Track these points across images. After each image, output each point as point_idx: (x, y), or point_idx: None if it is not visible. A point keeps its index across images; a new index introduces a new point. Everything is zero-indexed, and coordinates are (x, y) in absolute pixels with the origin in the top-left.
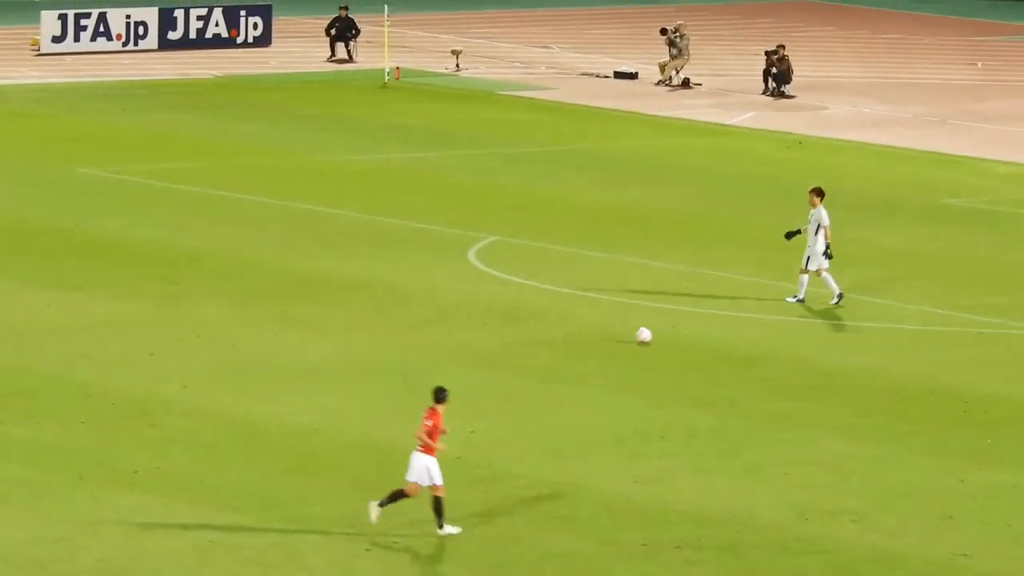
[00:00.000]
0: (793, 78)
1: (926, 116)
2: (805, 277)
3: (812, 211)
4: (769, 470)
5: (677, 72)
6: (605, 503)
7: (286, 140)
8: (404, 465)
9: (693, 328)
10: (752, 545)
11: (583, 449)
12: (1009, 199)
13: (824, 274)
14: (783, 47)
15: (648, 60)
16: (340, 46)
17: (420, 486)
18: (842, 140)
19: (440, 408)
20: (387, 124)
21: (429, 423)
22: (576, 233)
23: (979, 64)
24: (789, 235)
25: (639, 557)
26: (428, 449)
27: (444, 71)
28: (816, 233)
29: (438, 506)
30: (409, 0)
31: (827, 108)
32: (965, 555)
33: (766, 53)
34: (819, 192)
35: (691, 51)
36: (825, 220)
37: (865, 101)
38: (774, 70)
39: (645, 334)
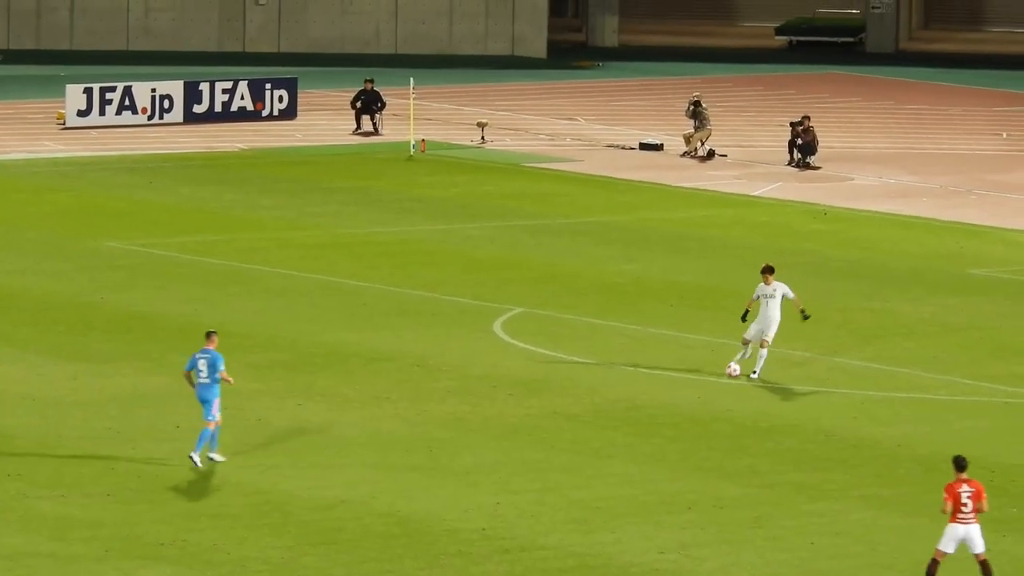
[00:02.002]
0: (818, 149)
1: (951, 186)
2: (765, 351)
3: (764, 287)
4: (795, 540)
5: (702, 143)
6: (632, 574)
7: (312, 213)
8: (430, 537)
9: (717, 399)
10: None
11: (609, 520)
12: None
13: (764, 351)
14: (808, 118)
15: (673, 132)
16: (366, 119)
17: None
18: (868, 211)
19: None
20: (412, 196)
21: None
22: (601, 305)
23: (1005, 135)
24: (744, 317)
25: None
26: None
27: (469, 143)
28: (801, 317)
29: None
30: (434, 73)
31: (852, 179)
32: None
33: (791, 124)
34: (771, 269)
35: (716, 122)
36: (791, 293)
37: (890, 171)
38: (799, 141)
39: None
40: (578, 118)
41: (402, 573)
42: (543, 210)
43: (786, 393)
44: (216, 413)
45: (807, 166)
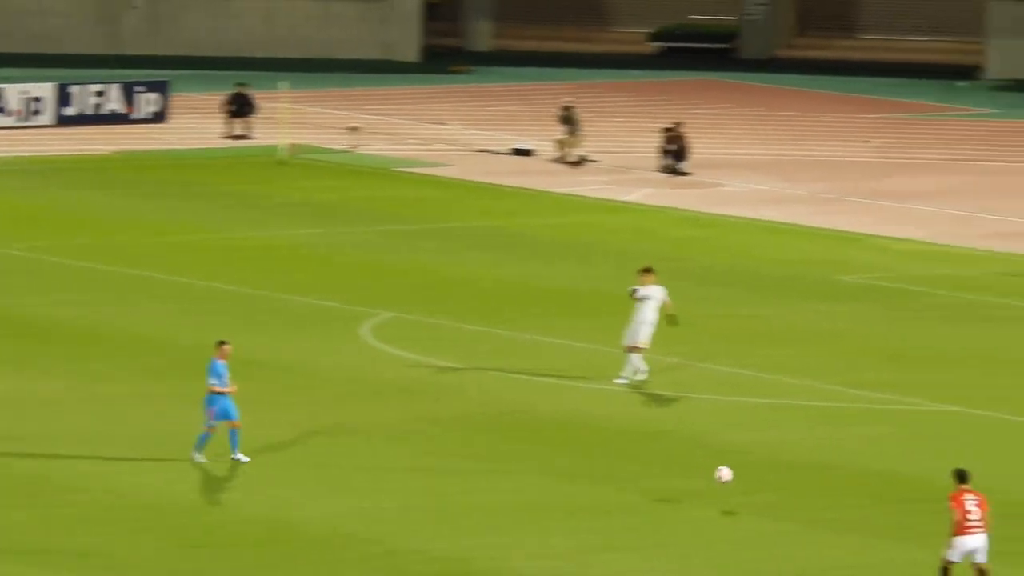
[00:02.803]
0: (690, 155)
1: (822, 193)
2: (635, 356)
3: (640, 288)
4: (673, 547)
5: (574, 149)
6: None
7: (182, 216)
8: (304, 542)
9: (595, 405)
10: None
11: (483, 525)
12: (904, 275)
13: (634, 356)
14: (679, 124)
15: (545, 137)
16: (237, 122)
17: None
18: (739, 217)
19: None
20: (283, 200)
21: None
22: (472, 310)
23: (872, 141)
24: (670, 322)
25: None
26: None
27: (341, 148)
28: (669, 323)
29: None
30: (308, 77)
31: (724, 185)
32: None
33: (663, 130)
34: (650, 271)
35: (587, 128)
36: (665, 296)
37: (761, 178)
38: (670, 147)
39: (726, 475)
40: (449, 123)
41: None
42: (414, 215)
43: (658, 399)
44: (213, 420)
45: (678, 172)
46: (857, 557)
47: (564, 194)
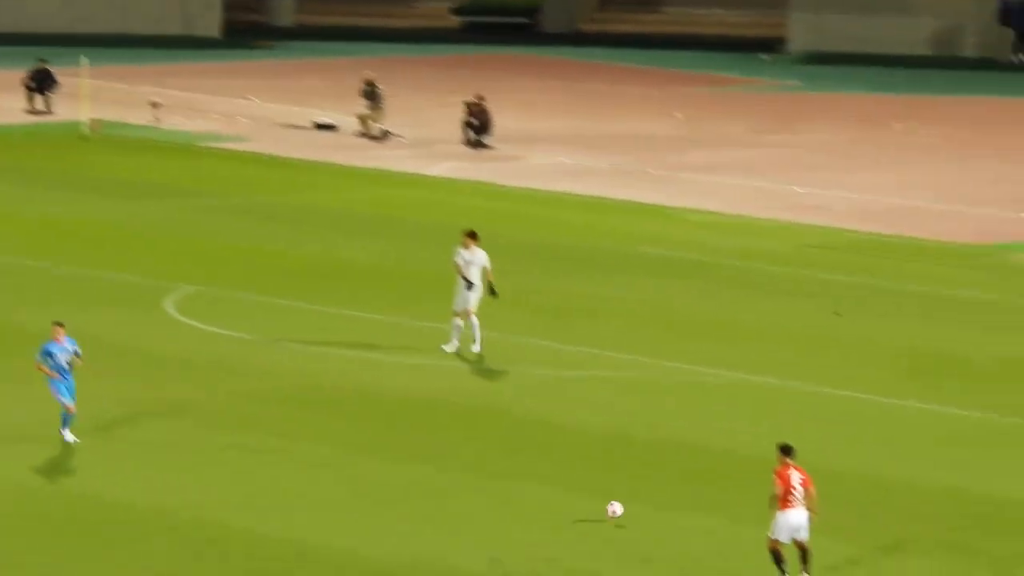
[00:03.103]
0: (493, 129)
1: (625, 166)
2: (475, 320)
3: (464, 252)
4: (479, 522)
5: (377, 123)
6: (306, 555)
7: None
8: (102, 515)
9: (400, 379)
10: None
11: (294, 504)
12: (704, 247)
13: (474, 319)
14: (482, 98)
15: (349, 112)
16: (38, 98)
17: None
18: (541, 190)
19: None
20: (85, 176)
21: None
22: (277, 284)
23: (679, 115)
24: (492, 292)
25: None
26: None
27: (143, 123)
28: (487, 292)
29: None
30: (109, 53)
31: (526, 158)
32: None
33: (466, 104)
34: (474, 235)
35: (391, 102)
36: (487, 262)
37: (564, 151)
38: (473, 121)
39: (617, 509)
40: (252, 98)
41: (70, 551)
42: (217, 189)
43: (466, 373)
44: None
45: (481, 145)
46: (656, 527)
47: (367, 168)
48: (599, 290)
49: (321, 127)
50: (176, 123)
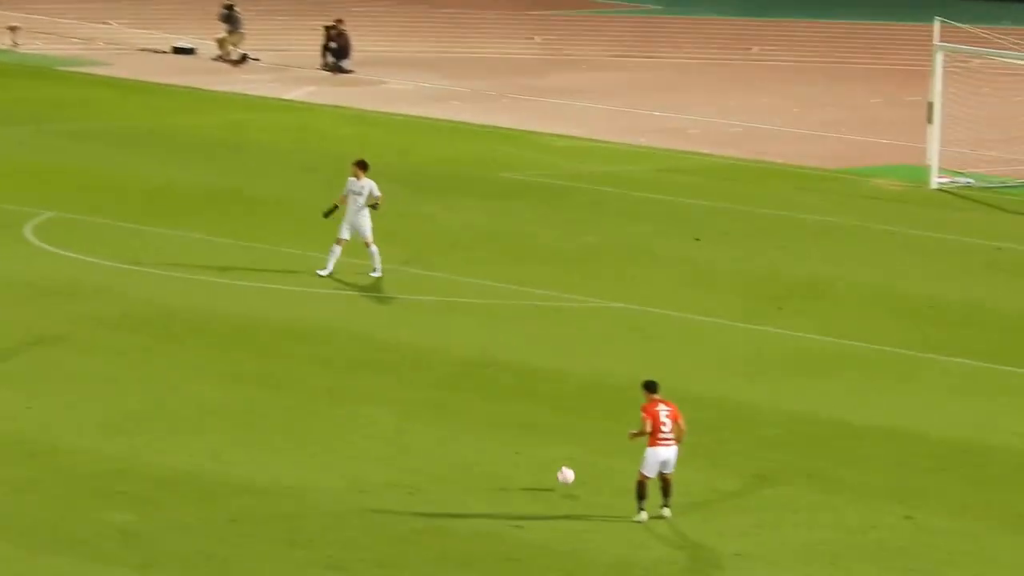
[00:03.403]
0: (352, 53)
1: (484, 91)
2: (374, 248)
3: (353, 181)
4: (325, 444)
5: (235, 47)
6: (163, 478)
7: None
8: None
9: (252, 303)
10: (308, 517)
11: (141, 424)
12: (564, 172)
13: (373, 248)
14: (341, 21)
15: (207, 36)
16: None
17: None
18: (401, 115)
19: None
20: None
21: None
22: (136, 209)
23: (537, 39)
24: (327, 214)
25: (196, 531)
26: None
27: (1, 47)
28: (366, 206)
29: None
30: None
31: (386, 83)
32: (518, 525)
33: (324, 27)
34: (364, 165)
35: (249, 26)
36: (377, 191)
37: (424, 76)
38: (332, 45)
39: (568, 476)
40: (111, 22)
41: None
42: (76, 115)
43: (321, 298)
44: None
45: (341, 70)
46: (514, 456)
47: (226, 93)
48: (460, 215)
49: (180, 51)
50: (35, 47)
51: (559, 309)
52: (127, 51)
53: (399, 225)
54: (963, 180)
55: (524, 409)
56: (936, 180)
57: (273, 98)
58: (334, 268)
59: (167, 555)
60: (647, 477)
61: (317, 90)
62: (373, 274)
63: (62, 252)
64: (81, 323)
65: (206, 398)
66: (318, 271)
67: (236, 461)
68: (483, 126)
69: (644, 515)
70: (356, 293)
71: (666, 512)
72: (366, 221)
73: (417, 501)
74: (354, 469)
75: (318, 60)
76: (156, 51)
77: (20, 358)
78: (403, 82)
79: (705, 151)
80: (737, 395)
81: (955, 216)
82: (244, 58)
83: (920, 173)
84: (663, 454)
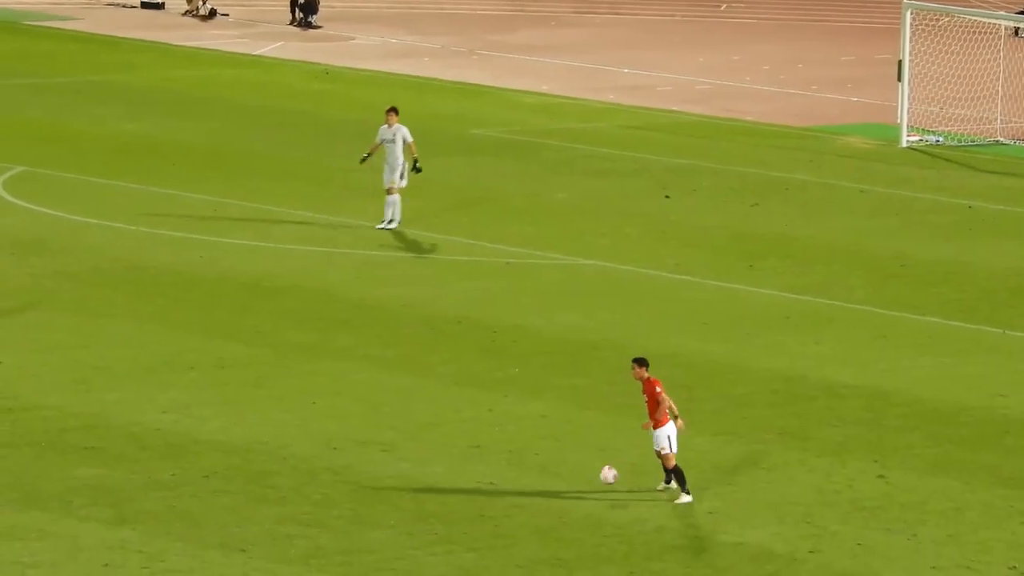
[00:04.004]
0: (320, 8)
1: (453, 47)
2: (395, 197)
3: (385, 129)
4: (297, 401)
5: (204, 3)
6: (134, 434)
7: None
8: None
9: (222, 259)
10: (281, 474)
11: (111, 380)
12: (534, 129)
13: (394, 197)
14: None
15: None
16: None
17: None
18: (370, 71)
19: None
20: None
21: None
22: (105, 164)
23: None
24: (363, 160)
25: (168, 487)
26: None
27: None
28: (411, 170)
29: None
30: None
31: (354, 39)
32: (492, 483)
33: None
34: (395, 111)
35: None
36: (409, 137)
37: (392, 32)
38: (301, 0)
39: (609, 476)
40: None
41: None
42: (44, 68)
43: (288, 253)
44: None
45: (309, 25)
46: (488, 413)
47: (194, 48)
48: (430, 173)
49: (148, 6)
50: (2, 1)
51: (531, 266)
52: (95, 6)
53: (364, 181)
54: (933, 139)
55: (497, 366)
56: (906, 138)
57: (241, 53)
58: (400, 216)
59: (140, 511)
60: (675, 453)
61: (285, 46)
62: (380, 226)
63: (32, 207)
64: (50, 278)
65: (176, 354)
66: (378, 225)
67: (208, 417)
68: (452, 82)
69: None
70: (327, 250)
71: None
72: (398, 168)
73: (391, 458)
74: (328, 426)
75: (287, 16)
76: (125, 6)
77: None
78: (371, 38)
79: (675, 108)
80: (708, 353)
81: (925, 174)
82: (213, 13)
83: (890, 131)
84: (671, 429)
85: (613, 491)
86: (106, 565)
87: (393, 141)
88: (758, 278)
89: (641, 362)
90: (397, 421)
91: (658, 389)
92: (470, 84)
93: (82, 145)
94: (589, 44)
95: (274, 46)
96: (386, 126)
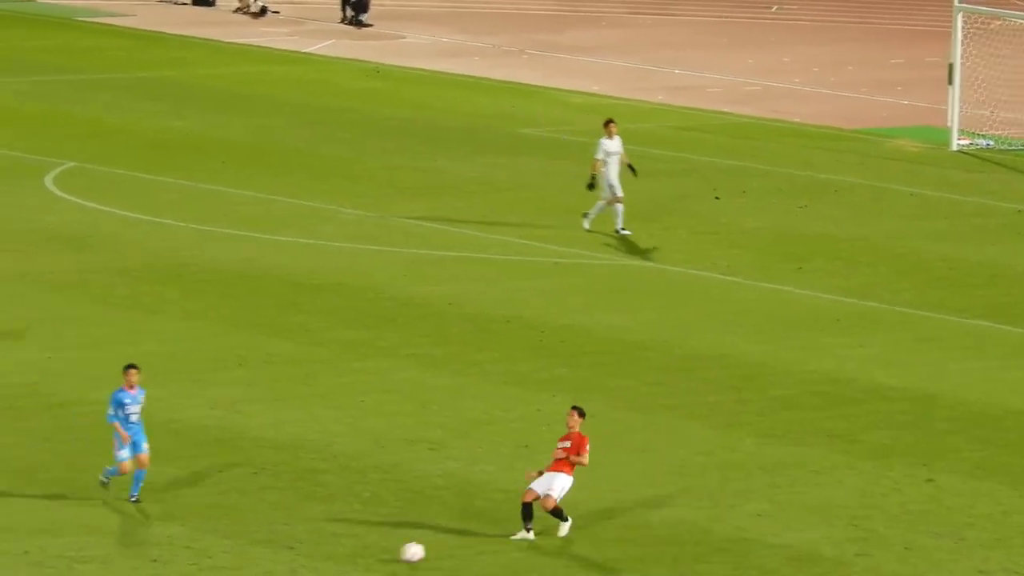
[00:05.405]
0: (371, 6)
1: (503, 46)
2: (621, 207)
3: (607, 142)
4: (345, 398)
5: (255, 0)
6: (180, 429)
7: None
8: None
9: (269, 256)
10: (329, 472)
11: (159, 375)
12: (582, 129)
13: (620, 206)
14: None
15: None
16: None
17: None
18: (420, 70)
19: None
20: None
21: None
22: (153, 161)
23: None
24: (591, 186)
25: (215, 483)
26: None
27: None
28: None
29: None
30: None
31: (404, 37)
32: None
33: None
34: (613, 122)
35: None
36: (622, 147)
37: (442, 30)
38: None
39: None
40: None
41: None
42: (96, 64)
43: (337, 251)
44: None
45: (360, 24)
46: (522, 409)
47: (245, 45)
48: (478, 170)
49: (199, 2)
50: None
51: (579, 266)
52: (148, 2)
53: (414, 179)
54: (983, 142)
55: (544, 365)
56: (956, 142)
57: (291, 51)
58: (623, 221)
59: (187, 507)
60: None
61: (335, 44)
62: (622, 231)
63: (81, 202)
64: (99, 273)
65: (225, 350)
66: (621, 231)
67: (255, 413)
68: (501, 81)
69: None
70: (375, 247)
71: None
72: (616, 177)
73: (439, 457)
74: (376, 424)
75: (337, 14)
76: (176, 2)
77: (40, 308)
78: (421, 36)
79: (724, 109)
80: (756, 354)
81: (974, 178)
82: (264, 11)
83: (940, 134)
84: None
85: (659, 492)
86: (154, 560)
87: (615, 152)
88: (806, 280)
89: (581, 412)
90: (445, 419)
91: (587, 446)
92: (519, 84)
93: (130, 141)
94: (639, 44)
95: (324, 44)
96: (607, 139)
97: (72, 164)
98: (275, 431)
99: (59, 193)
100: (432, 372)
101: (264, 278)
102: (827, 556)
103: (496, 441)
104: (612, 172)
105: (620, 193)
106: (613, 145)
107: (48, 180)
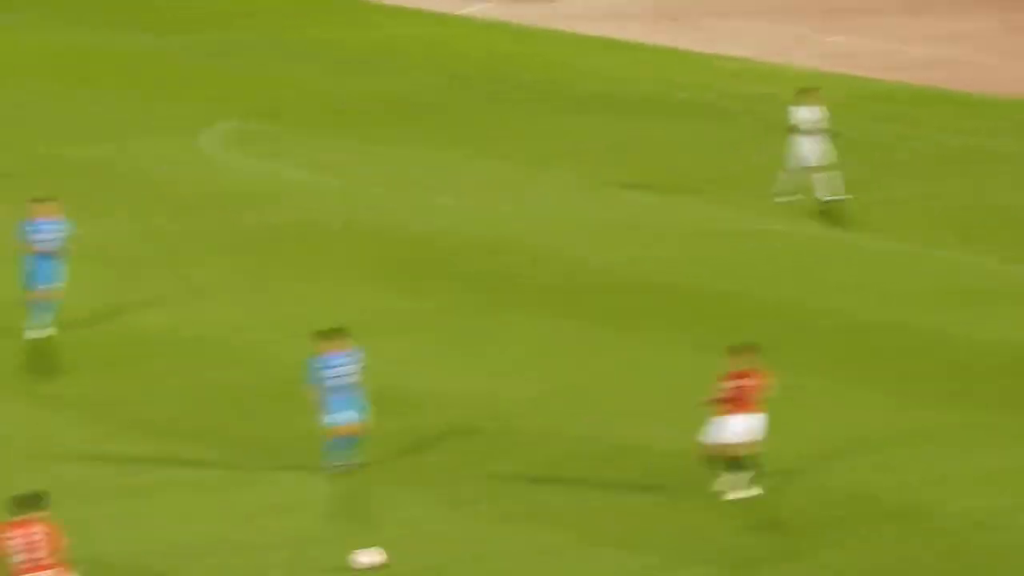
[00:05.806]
0: None
1: (662, 9)
2: (821, 176)
3: (803, 110)
4: (536, 362)
5: None
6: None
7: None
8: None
9: (438, 217)
10: (509, 433)
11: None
12: (731, 94)
13: (822, 175)
14: None
15: None
16: None
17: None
18: (574, 33)
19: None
20: (117, 6)
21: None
22: (317, 120)
23: None
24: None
25: (397, 443)
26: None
27: None
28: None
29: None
30: None
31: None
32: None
33: None
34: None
35: None
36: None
37: None
38: None
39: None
40: None
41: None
42: (256, 24)
43: (525, 219)
44: None
45: None
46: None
47: (398, 6)
48: (632, 136)
49: None
50: None
51: (741, 232)
52: None
53: (572, 146)
54: None
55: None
56: None
57: (446, 13)
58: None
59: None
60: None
61: (490, 7)
62: (827, 198)
63: (240, 161)
64: (265, 231)
65: (377, 307)
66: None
67: (422, 373)
68: (657, 46)
69: None
70: (563, 217)
71: None
72: (818, 147)
73: (615, 422)
74: (555, 385)
75: None
76: None
77: (184, 263)
78: (575, 2)
79: (891, 78)
80: (926, 322)
81: None
82: None
83: None
84: None
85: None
86: None
87: (818, 120)
88: (976, 248)
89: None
90: (618, 385)
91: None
92: (675, 48)
93: (297, 101)
94: (797, 9)
95: (479, 6)
96: (804, 107)
97: (234, 123)
98: (449, 390)
99: (219, 151)
100: (604, 334)
101: (417, 238)
102: (1001, 524)
103: (663, 407)
104: (807, 142)
105: (815, 163)
106: (807, 112)
107: (207, 138)
